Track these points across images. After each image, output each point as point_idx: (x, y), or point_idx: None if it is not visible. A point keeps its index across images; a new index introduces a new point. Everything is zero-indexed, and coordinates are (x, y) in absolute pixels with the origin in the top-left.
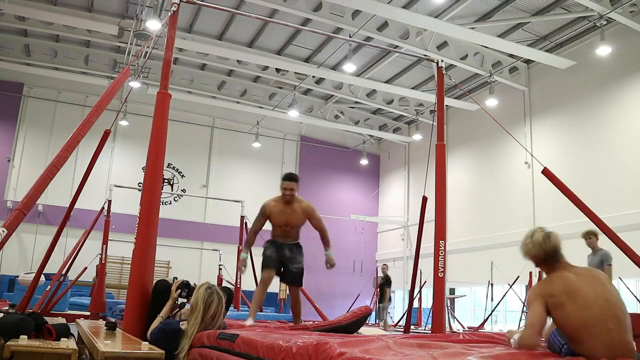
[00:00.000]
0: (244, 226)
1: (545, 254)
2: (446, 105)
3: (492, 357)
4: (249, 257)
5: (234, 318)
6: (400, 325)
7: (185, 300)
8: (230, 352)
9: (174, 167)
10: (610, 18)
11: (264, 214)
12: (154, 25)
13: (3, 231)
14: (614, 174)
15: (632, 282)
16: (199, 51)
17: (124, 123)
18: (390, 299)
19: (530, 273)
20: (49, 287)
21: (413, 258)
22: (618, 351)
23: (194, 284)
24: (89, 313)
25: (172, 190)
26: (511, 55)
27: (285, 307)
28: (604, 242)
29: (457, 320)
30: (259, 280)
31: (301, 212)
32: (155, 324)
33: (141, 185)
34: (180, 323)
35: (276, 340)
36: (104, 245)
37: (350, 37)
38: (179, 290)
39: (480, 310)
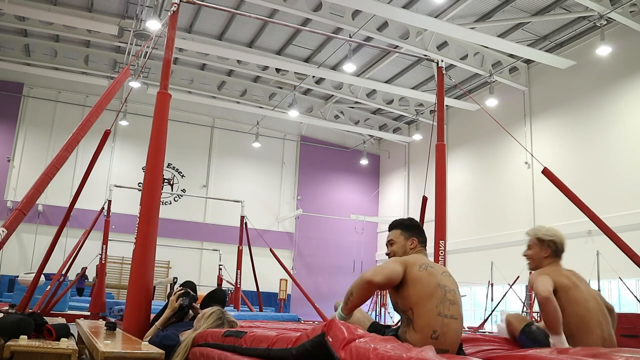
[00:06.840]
0: (244, 226)
1: (563, 246)
2: (446, 105)
3: None
4: None
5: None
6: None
7: (187, 307)
8: (235, 350)
9: (174, 167)
10: (610, 18)
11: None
12: (154, 25)
13: (3, 231)
14: (614, 173)
15: (632, 282)
16: (199, 51)
17: (124, 123)
18: None
19: (531, 273)
20: (49, 287)
21: None
22: (607, 343)
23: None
24: (88, 313)
25: (172, 190)
26: (511, 55)
27: (285, 307)
28: (604, 241)
29: None
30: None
31: None
32: (150, 333)
33: (141, 185)
34: (181, 333)
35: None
36: (104, 245)
37: (350, 37)
38: (180, 300)
39: (480, 310)
